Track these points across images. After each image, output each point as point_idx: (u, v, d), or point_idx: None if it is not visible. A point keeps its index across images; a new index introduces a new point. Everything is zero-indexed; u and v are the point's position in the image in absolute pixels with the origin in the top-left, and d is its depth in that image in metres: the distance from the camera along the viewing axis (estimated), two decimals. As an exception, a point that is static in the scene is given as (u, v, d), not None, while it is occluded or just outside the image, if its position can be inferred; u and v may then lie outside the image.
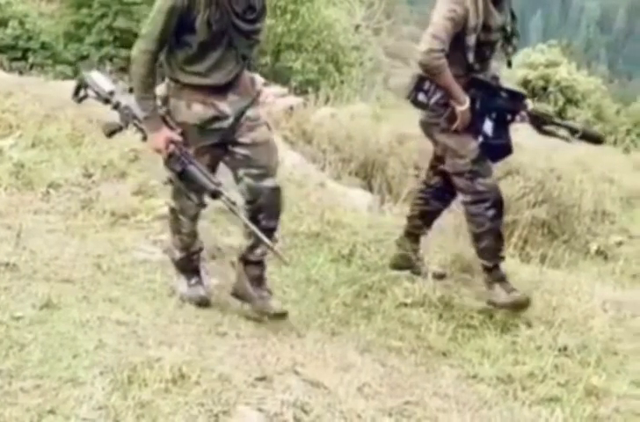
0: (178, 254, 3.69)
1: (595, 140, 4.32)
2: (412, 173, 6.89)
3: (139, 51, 3.32)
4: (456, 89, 3.94)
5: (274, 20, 16.46)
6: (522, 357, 3.66)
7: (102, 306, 3.34)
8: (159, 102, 3.40)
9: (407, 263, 4.37)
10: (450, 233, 5.09)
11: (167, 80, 3.44)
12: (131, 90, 3.50)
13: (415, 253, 4.39)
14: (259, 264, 3.61)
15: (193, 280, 3.68)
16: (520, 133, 7.79)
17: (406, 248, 4.39)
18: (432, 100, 4.02)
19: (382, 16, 24.21)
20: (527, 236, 6.03)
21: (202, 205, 3.48)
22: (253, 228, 3.34)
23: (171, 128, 3.37)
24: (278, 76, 15.27)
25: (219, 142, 3.45)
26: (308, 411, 2.76)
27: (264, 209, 3.46)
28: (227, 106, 3.39)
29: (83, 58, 15.19)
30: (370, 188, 6.72)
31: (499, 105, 4.08)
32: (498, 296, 4.03)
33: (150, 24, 3.32)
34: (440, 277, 4.31)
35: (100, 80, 3.67)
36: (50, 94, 5.97)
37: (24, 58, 13.30)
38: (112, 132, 3.69)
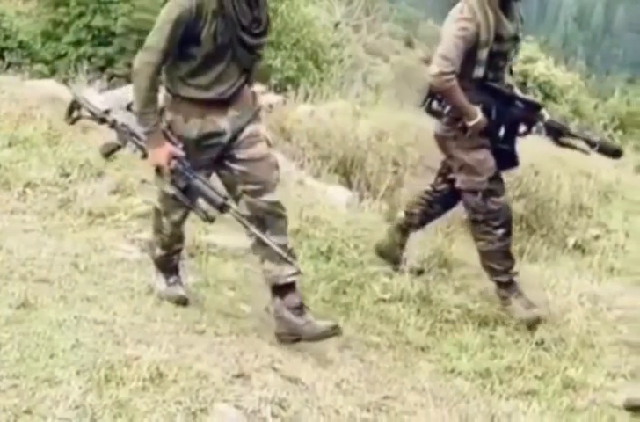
0: (158, 251, 3.64)
1: (613, 153, 4.17)
2: (391, 170, 6.90)
3: (142, 63, 3.17)
4: (467, 106, 3.90)
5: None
6: (500, 351, 3.70)
7: (79, 305, 3.32)
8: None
9: (391, 253, 4.40)
10: (429, 229, 5.10)
11: (165, 92, 3.34)
12: (128, 108, 3.38)
13: (401, 248, 4.41)
14: (293, 289, 3.41)
15: (172, 279, 3.64)
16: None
17: (395, 240, 4.42)
18: (447, 109, 3.97)
19: (362, 13, 24.25)
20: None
21: (210, 219, 3.32)
22: (265, 238, 3.22)
23: (173, 143, 3.26)
24: (259, 75, 15.26)
25: (216, 158, 3.37)
26: (286, 408, 2.77)
27: (268, 226, 3.32)
28: (226, 122, 3.30)
29: (61, 57, 15.11)
30: (349, 185, 6.72)
31: (513, 115, 4.00)
32: (515, 311, 4.01)
33: (155, 34, 3.16)
34: (418, 273, 4.32)
35: (94, 99, 3.58)
36: (27, 93, 5.93)
37: (0, 57, 13.21)
38: (110, 152, 3.59)
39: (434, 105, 4.02)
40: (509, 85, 4.09)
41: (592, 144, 4.04)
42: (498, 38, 3.88)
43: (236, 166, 3.35)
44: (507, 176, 6.69)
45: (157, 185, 3.46)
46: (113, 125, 3.48)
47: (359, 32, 24.65)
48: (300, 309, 3.39)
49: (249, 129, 3.36)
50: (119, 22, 15.67)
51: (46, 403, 2.56)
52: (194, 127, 3.28)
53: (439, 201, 4.35)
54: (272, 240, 3.26)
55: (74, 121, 3.68)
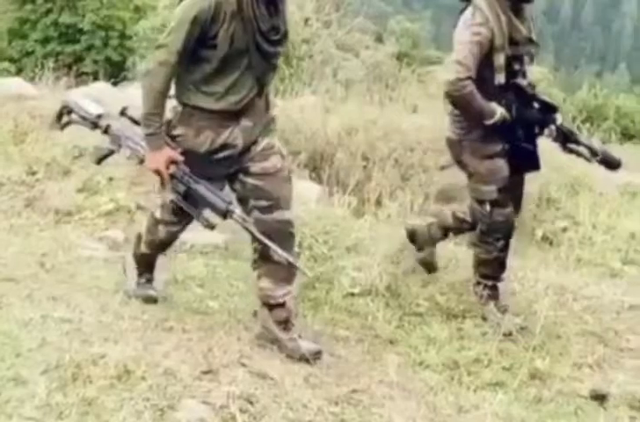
0: (143, 249, 3.54)
1: (613, 165, 4.10)
2: (360, 165, 6.92)
3: (157, 62, 3.06)
4: (487, 108, 3.78)
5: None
6: (468, 343, 3.72)
7: (46, 304, 3.31)
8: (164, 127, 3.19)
9: (423, 243, 4.33)
10: (397, 221, 5.13)
11: (174, 105, 3.21)
12: (122, 113, 3.34)
13: (433, 245, 4.34)
14: (284, 306, 3.36)
15: (143, 278, 3.59)
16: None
17: (434, 236, 4.33)
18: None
19: (332, 8, 24.22)
20: (473, 223, 6.10)
21: (211, 226, 3.24)
22: (270, 244, 3.11)
23: (172, 148, 3.16)
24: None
25: (228, 172, 3.27)
26: (254, 403, 2.77)
27: (275, 243, 3.16)
28: (239, 133, 3.19)
29: (28, 55, 14.99)
30: (319, 180, 6.73)
31: (530, 116, 3.91)
32: (491, 313, 4.00)
33: (171, 34, 3.05)
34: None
35: (85, 103, 3.44)
36: (-9, 91, 5.89)
37: (-34, 56, 13.09)
38: (102, 157, 3.50)
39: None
40: (532, 85, 3.97)
41: (595, 154, 4.00)
42: (513, 42, 3.79)
43: (249, 180, 3.24)
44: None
45: (160, 194, 3.36)
46: (107, 130, 3.38)
47: (329, 28, 24.62)
48: (286, 323, 3.36)
49: (264, 142, 3.26)
50: (86, 19, 15.58)
51: (12, 402, 2.55)
52: (206, 140, 3.16)
53: None
54: (276, 258, 3.20)
55: (63, 127, 3.54)
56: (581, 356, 3.75)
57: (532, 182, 7.46)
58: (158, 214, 3.38)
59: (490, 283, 4.09)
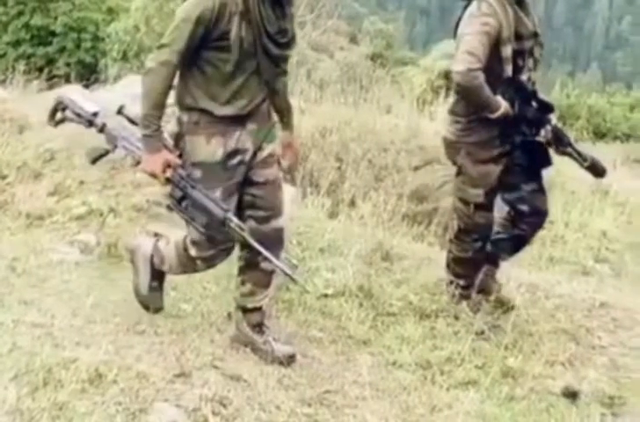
0: (166, 270, 3.36)
1: (598, 173, 4.05)
2: (334, 166, 6.93)
3: (157, 62, 2.96)
4: (493, 102, 3.72)
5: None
6: (440, 342, 3.74)
7: (16, 309, 3.29)
8: (171, 140, 3.11)
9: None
10: (370, 222, 5.15)
11: (178, 115, 3.12)
12: (119, 112, 3.23)
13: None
14: (259, 309, 3.35)
15: (155, 283, 3.40)
16: (437, 123, 7.93)
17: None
18: (465, 113, 3.84)
19: (306, 10, 24.23)
20: (446, 223, 6.13)
21: (207, 235, 3.12)
22: (268, 255, 3.02)
23: (170, 151, 3.06)
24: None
25: (242, 179, 3.16)
26: (226, 405, 2.78)
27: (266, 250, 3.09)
28: (247, 137, 3.12)
29: (0, 57, 14.86)
30: (293, 181, 6.73)
31: (529, 114, 3.85)
32: (463, 312, 4.00)
33: (173, 33, 2.96)
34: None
35: (81, 100, 3.32)
36: (-39, 95, 5.83)
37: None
38: (97, 157, 3.36)
39: (458, 106, 3.88)
40: (532, 81, 3.91)
41: (584, 159, 3.96)
42: (518, 36, 3.76)
43: (251, 190, 3.18)
44: (447, 169, 6.82)
45: (187, 229, 3.17)
46: (102, 129, 3.27)
47: (303, 29, 24.61)
48: (260, 326, 3.35)
49: (268, 149, 3.20)
50: (58, 21, 15.47)
51: (-18, 408, 2.53)
52: (218, 146, 3.07)
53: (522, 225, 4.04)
54: (263, 266, 3.21)
55: (57, 123, 3.41)
56: (553, 354, 3.78)
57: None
58: (194, 252, 3.17)
59: (462, 282, 4.11)
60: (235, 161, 3.11)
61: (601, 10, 79.94)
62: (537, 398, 3.42)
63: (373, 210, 5.53)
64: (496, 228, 4.05)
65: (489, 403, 3.28)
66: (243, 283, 3.32)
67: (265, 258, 3.08)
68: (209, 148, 3.07)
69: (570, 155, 3.99)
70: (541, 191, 3.98)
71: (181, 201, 3.07)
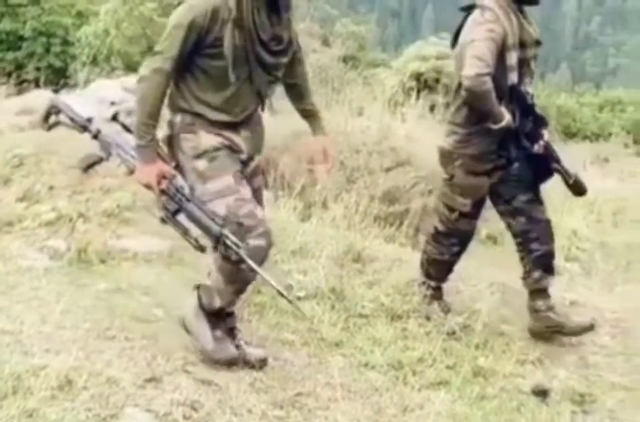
0: (218, 302, 3.13)
1: (580, 192, 4.06)
2: (306, 168, 6.93)
3: (150, 70, 2.91)
4: (498, 111, 3.69)
5: (167, 18, 16.26)
6: (412, 343, 3.76)
7: (-15, 316, 3.26)
8: (164, 145, 3.06)
9: (548, 323, 4.00)
10: (342, 224, 5.16)
11: (169, 117, 3.08)
12: (114, 118, 3.18)
13: (552, 311, 4.01)
14: (232, 315, 3.30)
15: (219, 332, 3.16)
16: (408, 124, 7.96)
17: (541, 308, 4.01)
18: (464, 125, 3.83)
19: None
20: (418, 224, 6.18)
21: (201, 248, 3.05)
22: (263, 274, 2.94)
23: (165, 161, 3.01)
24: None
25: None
26: (198, 409, 2.77)
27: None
28: (241, 141, 3.09)
29: (-32, 62, 14.71)
30: (265, 184, 6.73)
31: (527, 127, 3.83)
32: (434, 313, 4.04)
33: (166, 40, 2.92)
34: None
35: (75, 105, 3.25)
36: None
37: None
38: (90, 165, 3.28)
39: (458, 116, 3.87)
40: (531, 94, 3.90)
41: (569, 176, 3.95)
42: (522, 44, 3.75)
43: None
44: (418, 170, 6.86)
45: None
46: (97, 135, 3.19)
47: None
48: (232, 330, 3.33)
49: (256, 160, 3.19)
50: (27, 25, 15.35)
51: (-51, 417, 2.51)
52: (216, 137, 3.02)
53: (533, 240, 4.00)
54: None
55: (51, 127, 3.33)
56: (523, 353, 3.82)
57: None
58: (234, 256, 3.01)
59: (433, 284, 4.13)
60: (234, 154, 3.07)
61: (570, 10, 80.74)
62: (508, 397, 3.46)
63: (344, 212, 5.54)
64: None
65: (460, 402, 3.31)
66: None
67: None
68: (209, 137, 3.02)
69: (557, 171, 3.97)
70: (537, 201, 3.96)
71: (175, 214, 3.01)
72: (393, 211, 6.32)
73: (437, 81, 16.57)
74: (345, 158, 7.44)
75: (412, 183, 6.70)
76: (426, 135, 7.77)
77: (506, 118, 3.71)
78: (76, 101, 3.32)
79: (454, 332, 3.88)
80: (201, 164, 3.02)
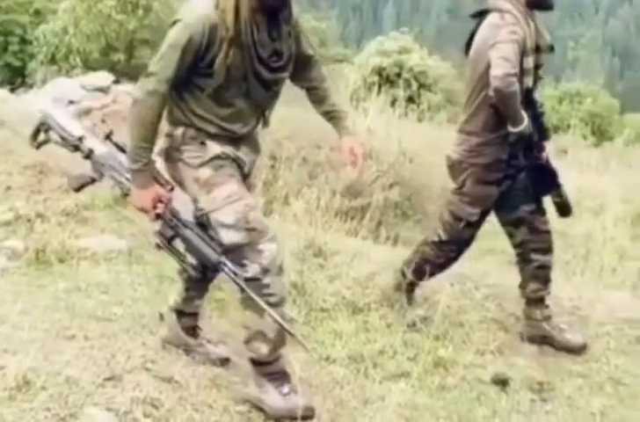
0: (264, 349, 2.94)
1: (564, 212, 3.96)
2: (268, 164, 6.92)
3: (145, 92, 2.77)
4: (520, 114, 3.62)
5: (126, 16, 16.17)
6: (373, 335, 3.79)
7: (-58, 318, 3.22)
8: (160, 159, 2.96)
9: (541, 333, 3.99)
10: (303, 220, 5.17)
11: (168, 130, 2.97)
12: (107, 137, 3.05)
13: (547, 322, 3.99)
14: (195, 315, 3.31)
15: (286, 387, 2.97)
16: (370, 119, 7.99)
17: (536, 317, 4.01)
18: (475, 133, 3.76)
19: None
20: (380, 217, 6.22)
21: (203, 280, 3.04)
22: (266, 307, 2.81)
23: (161, 185, 2.91)
24: (133, 73, 15.01)
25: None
26: (158, 407, 2.76)
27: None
28: (242, 155, 3.00)
29: None
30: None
31: (535, 137, 3.75)
32: (399, 301, 4.05)
33: (160, 61, 2.78)
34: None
35: (67, 122, 3.09)
36: None
37: None
38: (82, 185, 3.12)
39: (472, 125, 3.79)
40: (541, 103, 3.84)
41: (560, 195, 3.89)
42: (537, 48, 3.71)
43: None
44: (379, 164, 6.90)
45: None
46: (89, 155, 3.03)
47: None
48: (194, 329, 3.33)
49: (252, 176, 3.12)
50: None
51: None
52: (219, 146, 2.93)
53: (532, 251, 3.97)
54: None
55: (40, 146, 3.17)
56: (483, 343, 3.86)
57: (441, 174, 7.66)
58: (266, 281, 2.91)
59: (412, 278, 4.08)
60: (238, 167, 2.98)
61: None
62: (468, 387, 3.50)
63: (306, 207, 5.55)
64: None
65: (421, 393, 3.35)
66: (186, 290, 3.26)
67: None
68: (215, 146, 2.93)
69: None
70: (540, 211, 3.94)
71: (171, 240, 2.92)
72: (355, 205, 6.35)
73: (398, 75, 16.68)
74: (307, 154, 7.46)
75: (374, 177, 6.74)
76: (388, 130, 7.82)
77: (525, 121, 3.64)
78: (67, 117, 3.12)
79: (414, 324, 3.91)
80: (206, 173, 2.91)
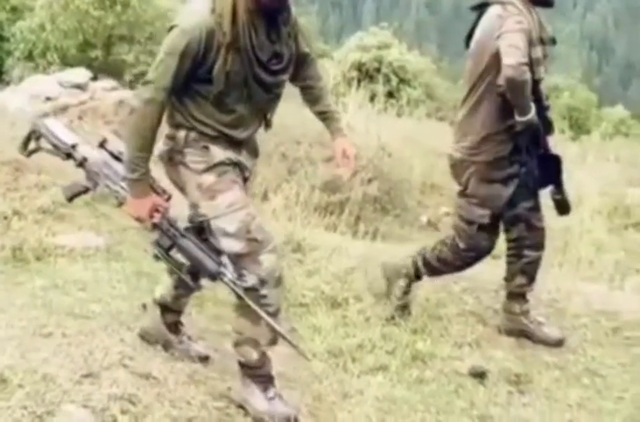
0: (254, 355, 2.95)
1: (563, 210, 3.95)
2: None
3: (142, 101, 2.73)
4: (529, 103, 3.55)
5: (104, 12, 16.05)
6: (352, 330, 3.81)
7: None
8: (160, 160, 2.92)
9: (519, 326, 4.01)
10: (282, 216, 5.18)
11: (169, 132, 2.92)
12: (101, 145, 2.99)
13: (526, 316, 4.01)
14: (179, 312, 3.29)
15: (272, 392, 2.99)
16: (349, 114, 8.00)
17: (515, 311, 4.01)
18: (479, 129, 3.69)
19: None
20: (359, 212, 6.23)
21: (198, 287, 2.98)
22: (267, 318, 2.81)
23: (158, 194, 2.86)
24: (111, 69, 14.92)
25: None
26: (136, 403, 2.76)
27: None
28: (244, 160, 2.95)
29: None
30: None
31: (539, 129, 3.68)
32: (397, 289, 4.01)
33: (158, 68, 2.73)
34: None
35: (59, 130, 3.02)
36: None
37: None
38: (75, 195, 3.07)
39: (471, 121, 3.72)
40: (546, 95, 3.81)
41: (560, 193, 3.88)
42: (541, 41, 3.67)
43: None
44: (358, 159, 6.89)
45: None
46: (82, 164, 2.97)
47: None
48: (176, 325, 3.31)
49: (251, 179, 3.08)
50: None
51: None
52: (222, 150, 2.87)
53: (525, 247, 3.96)
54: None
55: (30, 154, 3.10)
56: (461, 336, 3.89)
57: (416, 168, 7.70)
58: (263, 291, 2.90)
59: (424, 271, 4.04)
60: (240, 172, 2.95)
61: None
62: (446, 380, 3.52)
63: (285, 203, 5.56)
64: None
65: (399, 386, 3.36)
66: (175, 288, 3.23)
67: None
68: (219, 151, 2.87)
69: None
70: (537, 208, 3.92)
71: (169, 250, 2.89)
72: (333, 200, 6.37)
73: (378, 70, 16.68)
74: (287, 150, 7.46)
75: (352, 172, 6.74)
76: (366, 124, 7.83)
77: (533, 110, 3.57)
78: (59, 125, 3.06)
79: (392, 318, 3.93)
80: (209, 179, 2.86)
